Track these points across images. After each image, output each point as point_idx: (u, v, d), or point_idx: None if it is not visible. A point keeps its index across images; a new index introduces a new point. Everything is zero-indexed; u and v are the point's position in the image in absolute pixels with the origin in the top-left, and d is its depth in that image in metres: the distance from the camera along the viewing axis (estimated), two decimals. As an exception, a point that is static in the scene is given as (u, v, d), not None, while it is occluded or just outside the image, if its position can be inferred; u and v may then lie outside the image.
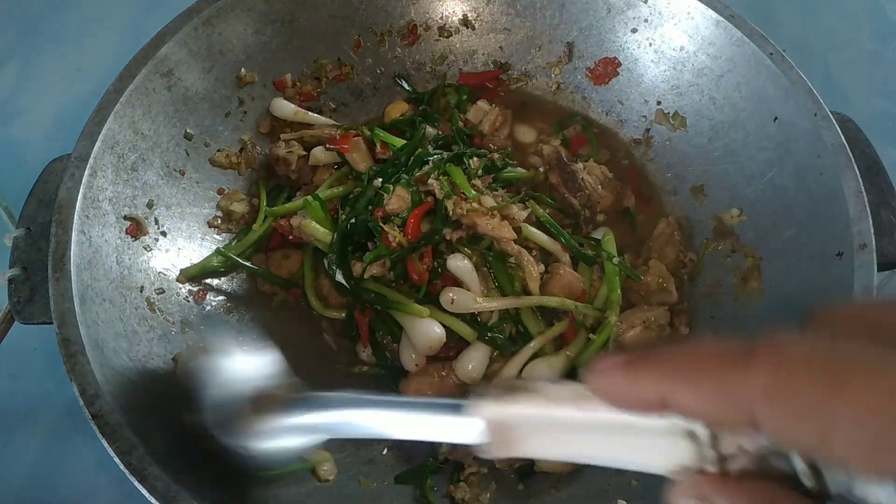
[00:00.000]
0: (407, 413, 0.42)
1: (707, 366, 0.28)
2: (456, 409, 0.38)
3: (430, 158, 0.83)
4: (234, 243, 0.85)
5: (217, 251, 0.83)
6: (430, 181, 0.79)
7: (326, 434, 0.50)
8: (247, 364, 0.60)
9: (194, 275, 0.81)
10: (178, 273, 0.80)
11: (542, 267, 0.81)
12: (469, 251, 0.79)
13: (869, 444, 0.24)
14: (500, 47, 1.00)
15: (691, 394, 0.28)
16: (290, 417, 0.51)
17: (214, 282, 0.83)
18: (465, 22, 0.99)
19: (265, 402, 0.54)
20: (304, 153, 0.89)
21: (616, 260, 0.83)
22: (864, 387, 0.24)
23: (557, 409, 0.32)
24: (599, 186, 0.90)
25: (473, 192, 0.79)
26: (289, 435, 0.52)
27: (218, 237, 0.86)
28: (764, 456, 0.29)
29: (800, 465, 0.28)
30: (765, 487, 0.29)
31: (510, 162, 0.90)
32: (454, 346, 0.78)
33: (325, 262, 0.81)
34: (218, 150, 0.87)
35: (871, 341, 0.26)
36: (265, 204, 0.87)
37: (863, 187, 0.73)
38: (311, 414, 0.50)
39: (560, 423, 0.33)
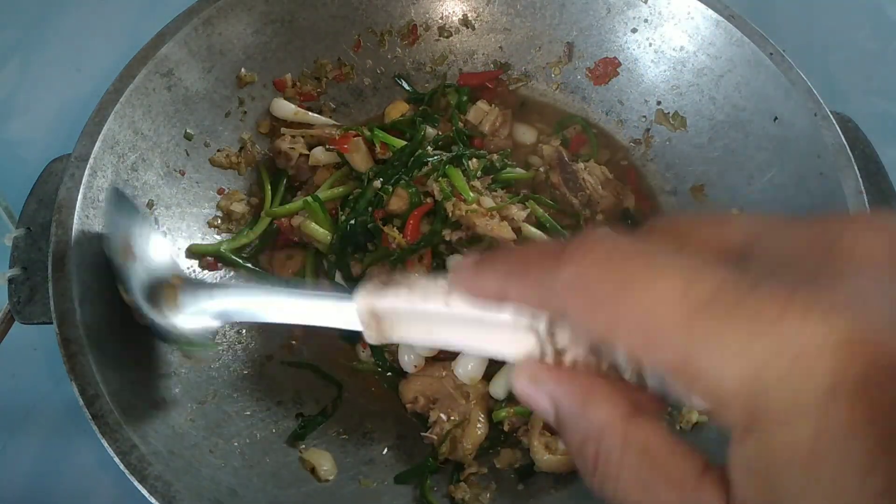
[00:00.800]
0: (297, 300, 0.48)
1: (533, 261, 0.31)
2: (340, 299, 0.43)
3: (430, 160, 0.83)
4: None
5: (224, 242, 0.84)
6: (429, 183, 0.79)
7: (230, 318, 0.59)
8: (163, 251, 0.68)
9: (202, 253, 0.82)
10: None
11: (541, 267, 0.80)
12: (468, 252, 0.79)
13: (643, 338, 0.27)
14: (500, 47, 1.00)
15: (519, 287, 0.32)
16: (200, 300, 0.60)
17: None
18: (465, 22, 0.99)
19: (178, 284, 0.63)
20: (306, 151, 0.89)
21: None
22: (645, 287, 0.27)
23: (424, 302, 0.37)
24: (600, 186, 0.90)
25: (472, 194, 0.79)
26: (200, 315, 0.60)
27: (218, 237, 0.86)
28: (592, 350, 0.33)
29: (621, 360, 0.32)
30: (588, 375, 0.32)
31: (509, 163, 0.90)
32: (454, 346, 0.78)
33: (325, 263, 0.81)
34: (218, 150, 0.87)
35: (673, 248, 0.29)
36: (269, 195, 0.87)
37: (863, 187, 0.73)
38: (213, 299, 0.58)
39: (426, 314, 0.37)
